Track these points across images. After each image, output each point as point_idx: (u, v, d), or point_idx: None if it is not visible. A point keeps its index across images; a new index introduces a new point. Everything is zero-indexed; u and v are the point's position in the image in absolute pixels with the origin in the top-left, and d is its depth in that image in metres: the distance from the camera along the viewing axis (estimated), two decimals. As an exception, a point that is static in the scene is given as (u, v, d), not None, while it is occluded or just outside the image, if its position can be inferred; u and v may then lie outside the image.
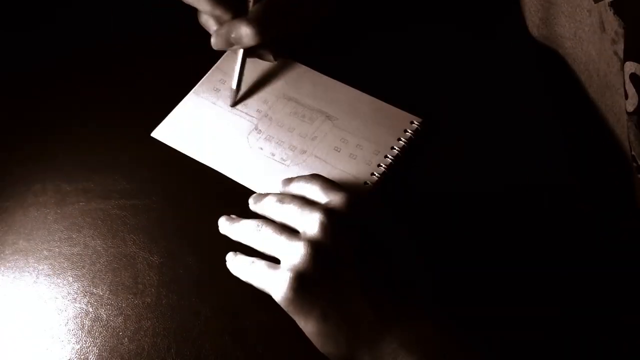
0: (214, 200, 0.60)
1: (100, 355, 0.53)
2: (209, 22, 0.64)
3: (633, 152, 0.55)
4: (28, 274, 0.56)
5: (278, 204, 0.55)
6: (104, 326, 0.54)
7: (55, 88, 0.66)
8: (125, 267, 0.56)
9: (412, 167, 0.61)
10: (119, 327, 0.54)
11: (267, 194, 0.57)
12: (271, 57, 0.66)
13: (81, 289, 0.55)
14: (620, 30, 0.54)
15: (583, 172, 0.61)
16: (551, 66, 0.66)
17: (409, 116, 0.63)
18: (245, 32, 0.61)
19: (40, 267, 0.56)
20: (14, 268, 0.56)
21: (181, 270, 0.56)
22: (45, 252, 0.57)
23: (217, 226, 0.57)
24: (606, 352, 0.53)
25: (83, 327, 0.54)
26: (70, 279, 0.56)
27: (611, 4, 0.54)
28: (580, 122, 0.64)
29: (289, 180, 0.58)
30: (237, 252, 0.55)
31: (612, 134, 0.61)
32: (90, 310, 0.55)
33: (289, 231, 0.52)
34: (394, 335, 0.48)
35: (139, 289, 0.55)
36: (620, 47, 0.54)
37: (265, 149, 0.62)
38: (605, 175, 0.62)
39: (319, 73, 0.66)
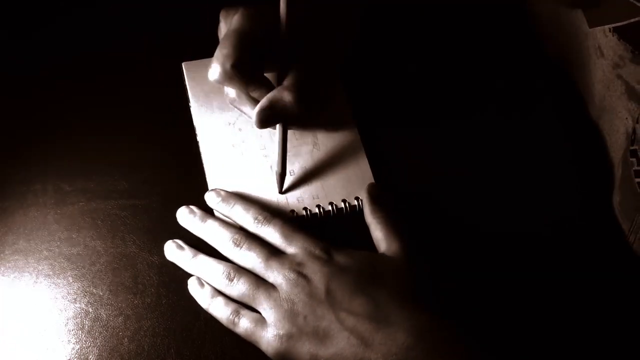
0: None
1: (100, 355, 0.53)
2: (241, 99, 0.59)
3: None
4: (28, 274, 0.56)
5: (235, 247, 0.55)
6: (104, 326, 0.54)
7: (56, 89, 0.66)
8: (125, 267, 0.56)
9: None
10: (119, 327, 0.54)
11: (204, 215, 0.58)
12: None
13: (81, 289, 0.55)
14: (628, 55, 0.54)
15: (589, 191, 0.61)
16: (561, 87, 0.66)
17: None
18: (289, 100, 0.55)
19: (40, 267, 0.56)
20: (14, 268, 0.56)
21: (181, 270, 0.56)
22: (45, 252, 0.57)
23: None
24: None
25: (83, 327, 0.54)
26: (70, 279, 0.56)
27: (613, 30, 0.54)
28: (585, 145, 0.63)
29: (227, 199, 0.58)
30: (203, 281, 0.55)
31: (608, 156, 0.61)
32: (90, 310, 0.54)
33: (264, 284, 0.54)
34: (378, 352, 0.49)
35: (139, 289, 0.55)
36: (626, 71, 0.54)
37: (243, 131, 0.62)
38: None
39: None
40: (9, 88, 0.66)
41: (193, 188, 0.60)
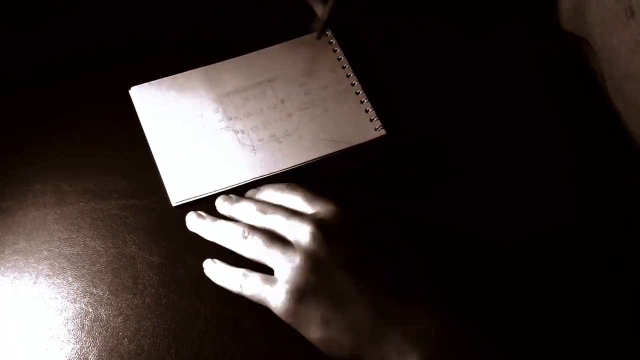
0: (214, 200, 0.60)
1: (100, 355, 0.53)
2: None
3: None
4: (28, 274, 0.56)
5: (260, 214, 0.55)
6: (104, 326, 0.54)
7: (55, 89, 0.66)
8: (125, 267, 0.56)
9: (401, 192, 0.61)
10: (119, 327, 0.54)
11: (239, 199, 0.57)
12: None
13: (81, 289, 0.55)
14: None
15: (589, 177, 0.61)
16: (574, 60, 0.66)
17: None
18: None
19: (40, 267, 0.56)
20: (14, 268, 0.56)
21: (181, 270, 0.56)
22: (45, 252, 0.57)
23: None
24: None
25: (83, 327, 0.54)
26: (70, 279, 0.56)
27: None
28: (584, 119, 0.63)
29: (257, 189, 0.58)
30: (215, 260, 0.55)
31: (625, 125, 0.60)
32: (90, 310, 0.54)
33: (280, 241, 0.53)
34: (396, 332, 0.48)
35: (138, 289, 0.55)
36: None
37: (228, 125, 0.63)
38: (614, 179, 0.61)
39: (228, 60, 0.66)
40: (9, 88, 0.66)
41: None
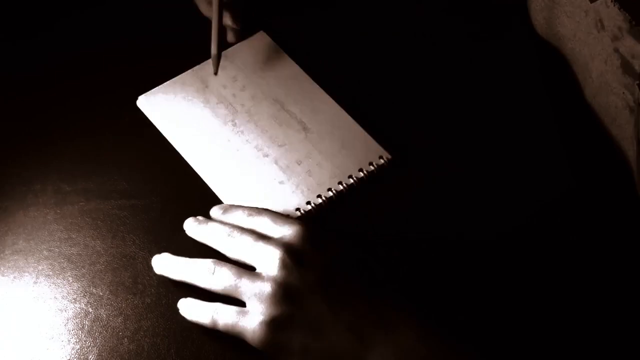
0: (214, 200, 0.60)
1: (100, 355, 0.53)
2: None
3: None
4: (28, 274, 0.56)
5: (228, 238, 0.54)
6: (104, 326, 0.54)
7: (56, 89, 0.66)
8: (125, 267, 0.56)
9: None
10: (119, 327, 0.54)
11: (208, 220, 0.57)
12: (238, 27, 0.66)
13: (81, 289, 0.55)
14: (625, 26, 0.53)
15: (583, 176, 0.61)
16: (554, 67, 0.66)
17: (379, 150, 0.61)
18: None
19: (40, 267, 0.56)
20: (14, 268, 0.56)
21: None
22: (45, 252, 0.57)
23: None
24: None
25: (83, 327, 0.54)
26: (70, 279, 0.56)
27: (615, 0, 0.54)
28: (578, 125, 0.64)
29: (226, 208, 0.57)
30: (188, 298, 0.54)
31: (609, 135, 0.60)
32: (90, 310, 0.54)
33: (248, 271, 0.52)
34: (377, 352, 0.48)
35: (138, 289, 0.55)
36: (623, 43, 0.54)
37: (232, 141, 0.62)
38: (604, 180, 0.61)
39: (310, 79, 0.66)
40: (9, 88, 0.66)
41: (193, 188, 0.60)
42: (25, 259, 0.57)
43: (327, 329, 0.49)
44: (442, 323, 0.50)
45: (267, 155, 0.62)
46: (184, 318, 0.54)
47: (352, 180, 0.60)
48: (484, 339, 0.51)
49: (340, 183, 0.60)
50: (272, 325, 0.49)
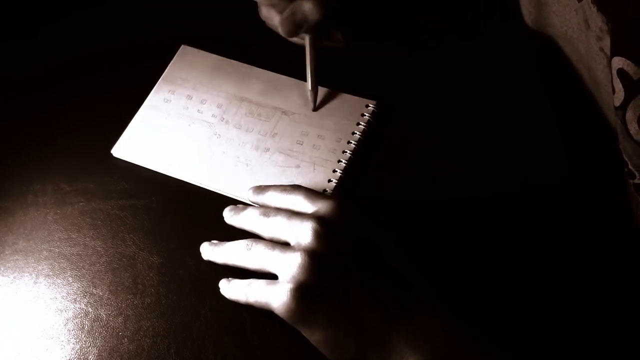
0: (213, 200, 0.60)
1: (100, 355, 0.53)
2: (270, 14, 0.62)
3: (624, 157, 0.54)
4: (28, 274, 0.56)
5: (263, 218, 0.54)
6: (103, 326, 0.54)
7: (55, 89, 0.66)
8: (125, 267, 0.56)
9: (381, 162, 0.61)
10: (118, 327, 0.54)
11: (244, 207, 0.57)
12: (340, 36, 0.64)
13: (81, 289, 0.55)
14: (605, 27, 0.53)
15: (579, 169, 0.61)
16: (550, 62, 0.66)
17: (362, 100, 0.63)
18: (308, 7, 0.59)
19: (40, 268, 0.56)
20: (14, 268, 0.56)
21: (181, 270, 0.56)
22: (45, 253, 0.57)
23: (217, 226, 0.57)
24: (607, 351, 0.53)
25: (83, 327, 0.54)
26: (70, 279, 0.56)
27: (594, 1, 0.54)
28: (578, 119, 0.64)
29: (261, 189, 0.58)
30: (230, 278, 0.54)
31: (609, 128, 0.60)
32: (90, 310, 0.54)
33: (281, 244, 0.52)
34: (400, 334, 0.48)
35: (138, 289, 0.55)
36: (605, 44, 0.54)
37: (228, 153, 0.62)
38: (600, 174, 0.61)
39: (264, 70, 0.66)
40: (9, 88, 0.66)
41: (193, 188, 0.60)
42: (25, 259, 0.57)
43: (358, 305, 0.48)
44: (460, 315, 0.50)
45: (267, 149, 0.62)
46: (184, 318, 0.54)
47: (358, 135, 0.61)
48: (499, 326, 0.52)
49: (349, 142, 0.61)
50: (300, 293, 0.48)
